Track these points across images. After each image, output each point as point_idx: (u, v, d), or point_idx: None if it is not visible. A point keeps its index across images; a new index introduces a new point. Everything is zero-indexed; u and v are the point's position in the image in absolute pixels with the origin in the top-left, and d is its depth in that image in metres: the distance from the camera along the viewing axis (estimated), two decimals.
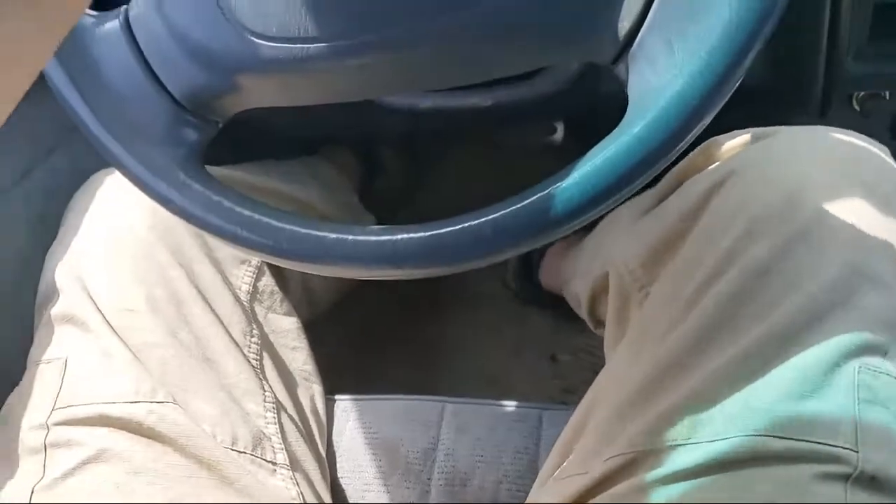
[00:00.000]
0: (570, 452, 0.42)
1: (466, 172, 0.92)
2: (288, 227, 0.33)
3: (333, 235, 0.32)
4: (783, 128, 0.45)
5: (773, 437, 0.33)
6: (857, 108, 0.62)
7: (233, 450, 0.43)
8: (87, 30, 0.34)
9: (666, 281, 0.43)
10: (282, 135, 0.72)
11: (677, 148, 0.27)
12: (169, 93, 0.34)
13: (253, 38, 0.31)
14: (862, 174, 0.41)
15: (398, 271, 0.31)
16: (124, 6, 0.35)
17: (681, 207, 0.44)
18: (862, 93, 0.61)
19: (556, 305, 0.84)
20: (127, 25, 0.34)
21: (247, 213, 0.34)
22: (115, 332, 0.45)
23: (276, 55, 0.31)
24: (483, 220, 0.29)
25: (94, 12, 0.35)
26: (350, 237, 0.31)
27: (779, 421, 0.33)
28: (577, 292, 0.61)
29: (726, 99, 0.27)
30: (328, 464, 0.50)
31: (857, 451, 0.32)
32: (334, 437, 0.51)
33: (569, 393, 0.82)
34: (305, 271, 0.34)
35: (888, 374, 0.35)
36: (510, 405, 0.52)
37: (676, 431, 0.36)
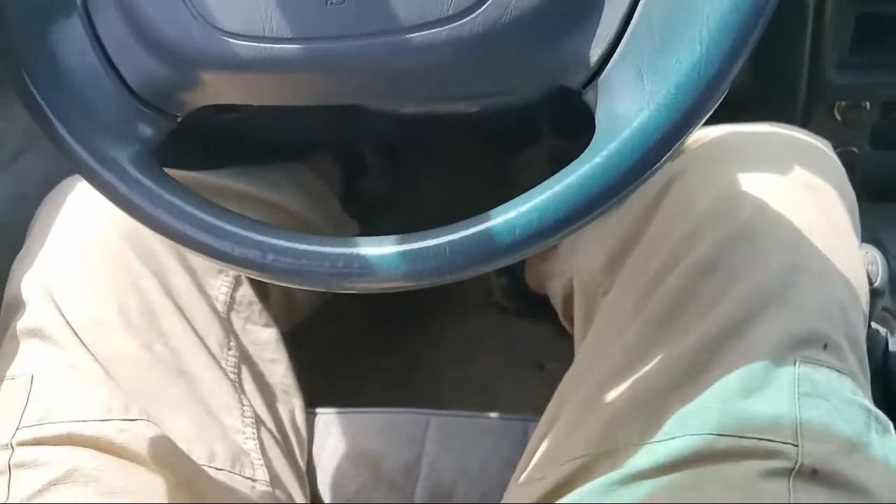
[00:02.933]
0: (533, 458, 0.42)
1: (452, 176, 0.91)
2: (238, 231, 0.31)
3: (287, 244, 0.31)
4: (730, 126, 0.45)
5: (718, 435, 0.34)
6: (838, 117, 0.63)
7: (210, 467, 0.42)
8: (41, 7, 0.32)
9: (621, 283, 0.44)
10: (262, 140, 0.70)
11: (639, 179, 0.27)
12: (124, 81, 0.32)
13: (217, 34, 0.29)
14: (801, 171, 0.42)
15: (346, 284, 0.30)
16: None
17: (635, 209, 0.44)
18: (843, 103, 0.62)
19: (544, 313, 0.84)
20: (84, 5, 0.32)
21: (198, 213, 0.32)
22: (85, 345, 0.43)
23: (240, 53, 0.29)
24: (442, 240, 0.29)
25: None
26: (301, 247, 0.30)
27: (723, 419, 0.34)
28: (554, 292, 0.61)
29: (691, 133, 0.27)
30: (308, 479, 0.49)
31: (797, 446, 0.33)
32: (315, 452, 0.50)
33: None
34: (256, 279, 0.33)
35: (829, 367, 0.36)
36: (495, 417, 0.50)
37: (628, 433, 0.36)
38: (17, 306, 0.45)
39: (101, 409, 0.40)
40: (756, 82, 0.60)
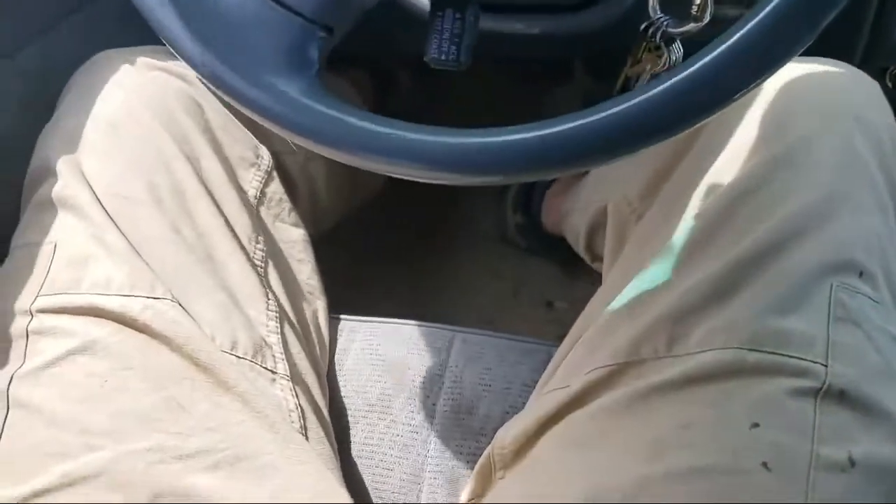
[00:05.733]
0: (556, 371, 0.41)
1: (482, 107, 0.87)
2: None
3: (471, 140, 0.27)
4: None
5: (748, 350, 0.32)
6: (889, 84, 0.59)
7: (231, 354, 0.39)
8: None
9: (657, 206, 0.42)
10: None
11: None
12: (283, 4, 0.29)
13: None
14: (853, 105, 0.40)
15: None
16: None
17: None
18: None
19: (557, 253, 0.81)
20: None
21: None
22: (112, 220, 0.39)
23: None
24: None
25: None
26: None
27: (753, 334, 0.33)
28: (576, 226, 0.59)
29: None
30: (330, 382, 0.46)
31: (826, 366, 0.32)
32: (338, 356, 0.47)
33: (562, 340, 0.80)
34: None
35: (863, 294, 0.34)
36: (520, 339, 0.48)
37: (656, 345, 0.35)
38: (44, 176, 0.42)
39: (126, 285, 0.38)
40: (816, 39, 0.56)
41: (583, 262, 0.68)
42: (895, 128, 0.42)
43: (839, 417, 0.31)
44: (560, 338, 0.88)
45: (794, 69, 0.41)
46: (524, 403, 0.43)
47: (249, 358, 0.40)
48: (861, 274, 0.35)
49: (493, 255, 0.86)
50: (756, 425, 0.31)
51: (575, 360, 0.39)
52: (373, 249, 0.82)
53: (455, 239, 0.86)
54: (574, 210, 0.62)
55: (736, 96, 0.26)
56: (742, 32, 0.25)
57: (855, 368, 0.32)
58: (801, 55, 0.47)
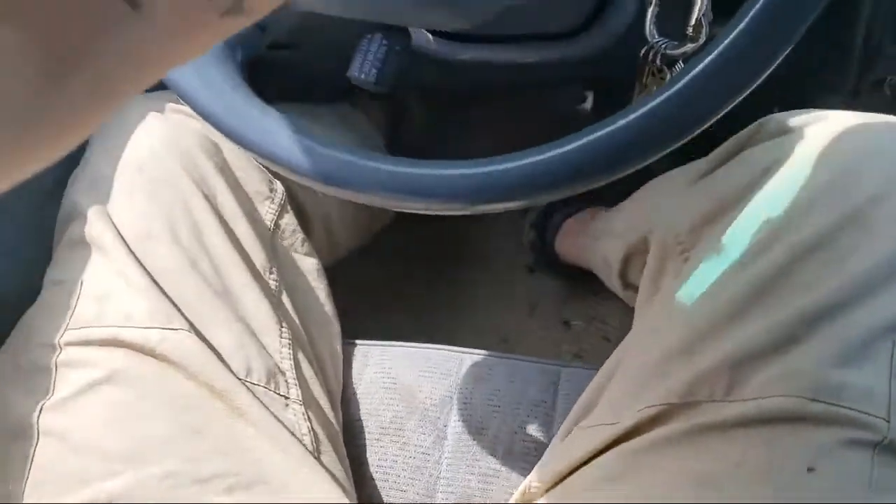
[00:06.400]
0: (595, 406, 0.40)
1: (493, 133, 0.88)
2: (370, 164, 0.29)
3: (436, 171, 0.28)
4: (840, 112, 0.42)
5: (811, 400, 0.32)
6: (888, 92, 0.59)
7: (246, 381, 0.40)
8: None
9: (709, 244, 0.41)
10: (314, 80, 0.68)
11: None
12: None
13: None
14: None
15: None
16: None
17: (738, 178, 0.41)
18: (895, 78, 0.57)
19: (571, 274, 0.81)
20: None
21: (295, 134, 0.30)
22: (134, 256, 0.42)
23: None
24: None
25: None
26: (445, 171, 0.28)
27: (816, 384, 0.32)
28: (607, 254, 0.58)
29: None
30: (344, 406, 0.47)
31: (888, 421, 0.31)
32: (353, 381, 0.48)
33: (579, 358, 0.79)
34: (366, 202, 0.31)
35: None
36: (529, 360, 0.48)
37: (713, 389, 0.34)
38: (73, 216, 0.44)
39: (145, 317, 0.39)
40: (809, 52, 0.56)
41: (597, 281, 0.67)
42: None
43: None
44: (576, 356, 0.87)
45: (856, 124, 0.41)
46: (533, 423, 0.43)
47: (263, 384, 0.41)
48: None
49: (508, 276, 0.87)
50: (812, 469, 0.31)
51: (621, 396, 0.39)
52: (386, 270, 0.83)
53: (470, 259, 0.87)
54: (608, 235, 0.60)
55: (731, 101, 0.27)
56: (722, 47, 0.26)
57: None
58: (798, 76, 0.46)
